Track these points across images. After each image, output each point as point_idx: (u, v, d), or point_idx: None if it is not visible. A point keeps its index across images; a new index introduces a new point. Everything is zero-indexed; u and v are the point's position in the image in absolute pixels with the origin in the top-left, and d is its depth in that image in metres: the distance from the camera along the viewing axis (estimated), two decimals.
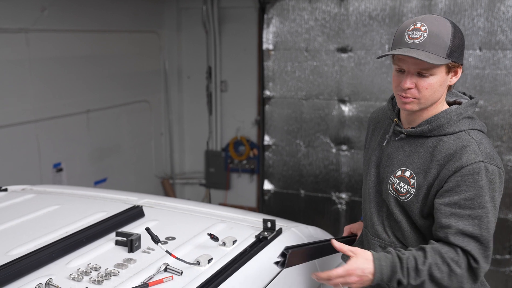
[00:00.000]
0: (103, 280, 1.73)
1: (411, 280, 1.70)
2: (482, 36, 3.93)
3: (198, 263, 1.84)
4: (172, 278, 1.75)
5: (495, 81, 3.94)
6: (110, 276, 1.76)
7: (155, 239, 1.91)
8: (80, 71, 4.84)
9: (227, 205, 5.61)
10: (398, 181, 1.86)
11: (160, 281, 1.72)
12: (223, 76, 5.94)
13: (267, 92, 4.70)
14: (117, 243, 2.02)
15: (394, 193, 1.87)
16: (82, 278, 1.75)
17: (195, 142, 6.28)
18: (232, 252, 1.98)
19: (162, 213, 2.43)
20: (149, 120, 5.90)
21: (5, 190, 2.77)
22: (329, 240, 1.86)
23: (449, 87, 1.83)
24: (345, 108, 4.44)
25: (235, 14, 5.76)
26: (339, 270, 1.72)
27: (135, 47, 5.58)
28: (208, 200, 6.17)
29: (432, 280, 1.71)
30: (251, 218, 2.41)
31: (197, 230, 2.18)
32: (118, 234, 2.04)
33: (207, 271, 1.81)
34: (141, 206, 2.39)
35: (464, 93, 1.96)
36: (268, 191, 4.83)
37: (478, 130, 1.82)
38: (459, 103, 1.89)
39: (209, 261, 1.86)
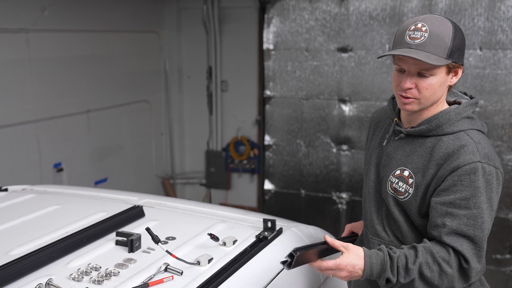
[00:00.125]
0: (103, 280, 1.73)
1: (400, 279, 1.72)
2: (483, 36, 3.93)
3: (198, 263, 1.84)
4: (173, 278, 1.75)
5: (495, 80, 3.93)
6: (111, 276, 1.76)
7: (156, 239, 1.91)
8: (80, 71, 4.84)
9: (228, 205, 5.61)
10: (396, 181, 1.86)
11: (161, 281, 1.72)
12: (224, 76, 5.94)
13: (268, 92, 4.70)
14: (118, 243, 2.02)
15: (393, 192, 1.87)
16: (83, 278, 1.75)
17: (195, 142, 6.28)
18: (232, 252, 1.98)
19: (162, 213, 2.43)
20: (149, 120, 5.90)
21: (6, 190, 2.77)
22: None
23: (450, 87, 1.83)
24: (346, 108, 4.44)
25: (235, 14, 5.76)
26: (330, 263, 1.73)
27: (135, 47, 5.58)
28: (208, 200, 6.18)
29: (422, 279, 1.73)
30: (251, 218, 2.41)
31: (197, 230, 2.18)
32: (118, 234, 2.03)
33: (207, 271, 1.81)
34: (142, 206, 2.39)
35: (465, 93, 1.96)
36: (269, 191, 4.83)
37: (477, 130, 1.82)
38: (459, 103, 1.89)
39: (210, 261, 1.86)
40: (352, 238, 2.22)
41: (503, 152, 3.96)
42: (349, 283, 2.43)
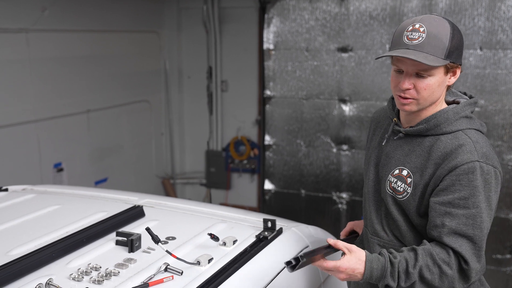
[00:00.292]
0: (103, 280, 1.73)
1: (401, 283, 1.72)
2: (483, 35, 3.93)
3: (198, 263, 1.84)
4: (173, 278, 1.75)
5: (495, 80, 3.93)
6: (111, 276, 1.76)
7: (156, 239, 1.91)
8: (80, 71, 4.84)
9: (228, 205, 5.60)
10: (395, 180, 1.86)
11: (161, 281, 1.72)
12: (224, 76, 5.94)
13: (268, 92, 4.70)
14: (118, 243, 2.02)
15: (392, 191, 1.87)
16: (83, 278, 1.75)
17: (195, 142, 6.28)
18: (232, 252, 1.98)
19: (162, 213, 2.43)
20: (149, 120, 5.90)
21: (6, 190, 2.77)
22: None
23: (448, 87, 1.83)
24: (346, 108, 4.44)
25: (235, 14, 5.76)
26: (330, 265, 1.73)
27: (135, 47, 5.58)
28: (208, 200, 6.18)
29: (423, 282, 1.73)
30: (251, 218, 2.41)
31: (197, 230, 2.18)
32: (118, 234, 2.03)
33: (207, 271, 1.81)
34: (142, 206, 2.39)
35: (464, 93, 1.96)
36: (269, 191, 4.83)
37: (475, 129, 1.82)
38: (458, 103, 1.89)
39: (210, 261, 1.86)
40: (353, 237, 2.23)
41: (503, 152, 3.96)
42: (348, 283, 2.43)
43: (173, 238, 2.09)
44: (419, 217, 1.84)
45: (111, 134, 5.31)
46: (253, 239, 2.11)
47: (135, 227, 2.19)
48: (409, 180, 1.83)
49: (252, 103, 5.86)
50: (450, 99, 1.92)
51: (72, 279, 1.75)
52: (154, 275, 1.76)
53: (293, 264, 1.71)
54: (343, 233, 2.30)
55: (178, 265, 1.80)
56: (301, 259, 1.69)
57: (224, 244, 2.02)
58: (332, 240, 1.81)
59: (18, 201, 2.57)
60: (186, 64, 6.14)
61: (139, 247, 1.98)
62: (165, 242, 2.03)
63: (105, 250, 1.98)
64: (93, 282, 1.72)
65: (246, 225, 2.29)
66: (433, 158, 1.78)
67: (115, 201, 2.57)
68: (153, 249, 1.96)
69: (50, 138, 4.57)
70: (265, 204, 4.85)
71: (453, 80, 1.81)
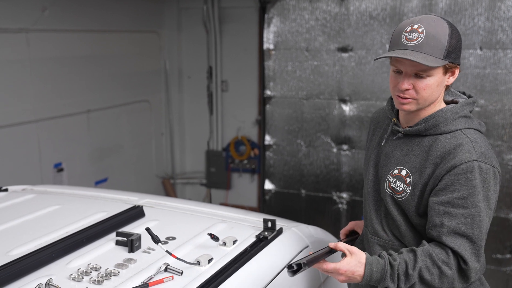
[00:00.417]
0: (103, 280, 1.73)
1: (401, 284, 1.72)
2: (483, 35, 3.93)
3: (198, 263, 1.84)
4: (173, 278, 1.75)
5: (495, 80, 3.93)
6: (110, 276, 1.76)
7: (156, 239, 1.91)
8: (80, 71, 4.84)
9: (228, 205, 5.61)
10: (394, 180, 1.86)
11: (161, 281, 1.72)
12: (224, 76, 5.94)
13: (268, 92, 4.70)
14: (118, 243, 2.02)
15: (391, 191, 1.88)
16: (82, 278, 1.75)
17: (195, 142, 6.28)
18: (232, 252, 1.98)
19: (162, 213, 2.43)
20: (149, 120, 5.90)
21: (6, 190, 2.77)
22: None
23: (447, 86, 1.84)
24: (346, 108, 4.44)
25: (235, 14, 5.75)
26: (330, 267, 1.73)
27: (135, 47, 5.58)
28: (208, 200, 6.18)
29: (423, 283, 1.73)
30: (251, 218, 2.41)
31: (197, 230, 2.18)
32: (118, 234, 2.04)
33: (207, 271, 1.81)
34: (142, 206, 2.39)
35: (463, 93, 1.96)
36: (269, 190, 4.83)
37: (474, 129, 1.82)
38: (457, 102, 1.89)
39: (210, 261, 1.86)
40: (354, 238, 2.23)
41: (503, 152, 3.96)
42: (348, 284, 2.43)
43: (173, 238, 2.09)
44: (419, 216, 1.84)
45: (111, 134, 5.31)
46: (253, 239, 2.11)
47: (135, 227, 2.19)
48: (408, 180, 1.83)
49: (252, 103, 5.86)
50: (449, 98, 1.92)
51: (72, 279, 1.75)
52: (154, 275, 1.76)
53: (295, 269, 1.71)
54: (343, 232, 2.30)
55: (178, 265, 1.80)
56: (303, 266, 1.69)
57: (224, 244, 2.02)
58: (333, 244, 1.81)
59: (18, 201, 2.57)
60: (186, 64, 6.14)
61: (139, 247, 1.98)
62: (165, 242, 2.03)
63: (105, 250, 1.98)
64: (93, 282, 1.72)
65: (246, 225, 2.29)
66: (432, 158, 1.78)
67: (115, 201, 2.57)
68: (153, 249, 1.96)
69: (50, 138, 4.57)
70: (265, 204, 4.85)
71: (451, 80, 1.81)
